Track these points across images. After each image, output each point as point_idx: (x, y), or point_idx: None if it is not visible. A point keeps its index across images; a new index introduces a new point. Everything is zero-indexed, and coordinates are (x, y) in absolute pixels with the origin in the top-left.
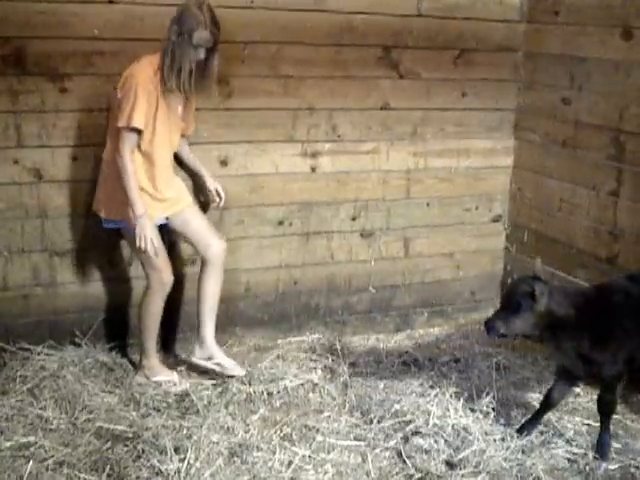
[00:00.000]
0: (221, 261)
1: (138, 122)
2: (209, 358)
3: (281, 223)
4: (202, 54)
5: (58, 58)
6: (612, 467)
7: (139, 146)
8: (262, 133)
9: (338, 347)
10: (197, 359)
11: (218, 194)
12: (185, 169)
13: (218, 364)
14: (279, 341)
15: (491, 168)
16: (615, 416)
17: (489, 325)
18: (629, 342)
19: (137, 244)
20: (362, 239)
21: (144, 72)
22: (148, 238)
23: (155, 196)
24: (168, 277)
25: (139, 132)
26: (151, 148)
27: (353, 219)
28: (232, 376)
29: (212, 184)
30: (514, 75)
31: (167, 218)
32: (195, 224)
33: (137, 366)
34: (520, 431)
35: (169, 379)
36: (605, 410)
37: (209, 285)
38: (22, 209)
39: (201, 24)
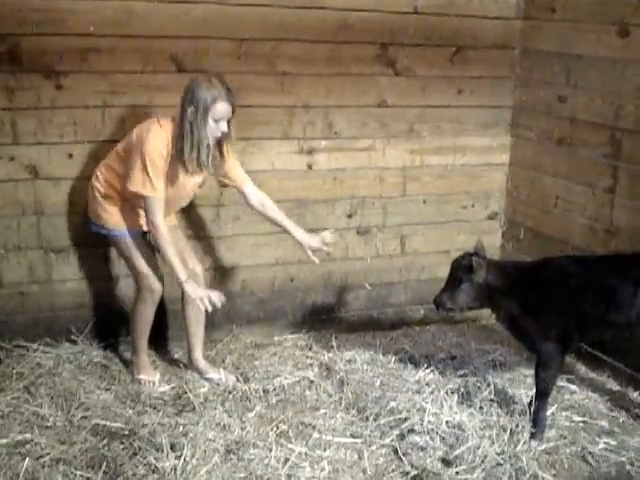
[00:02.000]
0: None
1: (161, 192)
2: (200, 374)
3: None
4: (224, 126)
5: (54, 55)
6: (542, 448)
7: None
8: (258, 130)
9: (334, 344)
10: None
11: (325, 244)
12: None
13: (209, 379)
14: (275, 338)
15: (487, 165)
16: (611, 413)
17: (437, 302)
18: (560, 318)
19: (199, 305)
20: (358, 236)
21: (156, 141)
22: (204, 297)
23: (137, 210)
24: (157, 285)
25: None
26: None
27: (349, 216)
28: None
29: (306, 240)
30: (510, 72)
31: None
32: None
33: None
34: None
35: (149, 379)
36: (539, 388)
37: (190, 311)
38: (18, 206)
39: (217, 98)
